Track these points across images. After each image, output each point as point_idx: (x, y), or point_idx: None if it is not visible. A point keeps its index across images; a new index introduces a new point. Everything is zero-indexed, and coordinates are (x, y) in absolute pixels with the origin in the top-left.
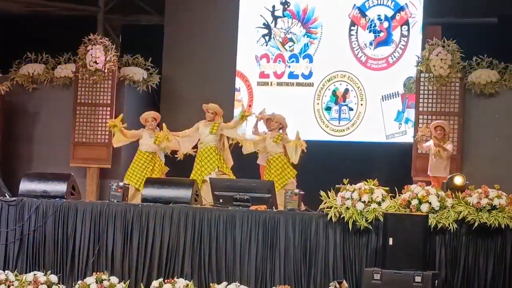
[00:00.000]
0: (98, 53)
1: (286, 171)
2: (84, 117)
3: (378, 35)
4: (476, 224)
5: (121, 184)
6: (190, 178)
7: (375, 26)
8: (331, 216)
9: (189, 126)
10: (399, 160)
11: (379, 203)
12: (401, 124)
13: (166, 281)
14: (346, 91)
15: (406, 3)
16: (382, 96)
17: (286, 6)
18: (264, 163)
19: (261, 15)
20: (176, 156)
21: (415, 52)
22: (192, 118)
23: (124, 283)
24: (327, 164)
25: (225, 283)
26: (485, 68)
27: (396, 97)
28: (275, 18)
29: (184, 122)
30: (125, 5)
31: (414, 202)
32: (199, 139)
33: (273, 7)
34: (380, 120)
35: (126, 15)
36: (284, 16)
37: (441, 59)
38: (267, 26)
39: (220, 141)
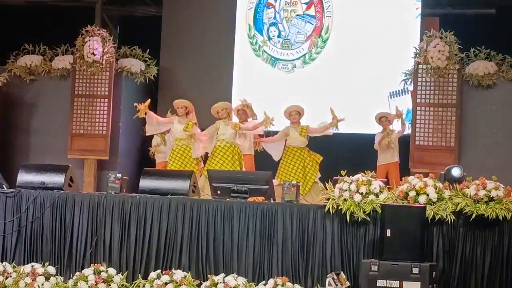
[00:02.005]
0: (96, 45)
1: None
2: (82, 108)
3: None
4: (473, 215)
5: (118, 175)
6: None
7: None
8: (329, 208)
9: None
10: None
11: (376, 195)
12: (411, 124)
13: (164, 272)
14: None
15: None
16: (390, 93)
17: None
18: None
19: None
20: None
21: (413, 43)
22: None
23: (122, 275)
24: (326, 155)
25: (222, 274)
26: (483, 60)
27: (405, 94)
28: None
29: None
30: None
31: (412, 193)
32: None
33: None
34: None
35: (124, 6)
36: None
37: (439, 51)
38: None
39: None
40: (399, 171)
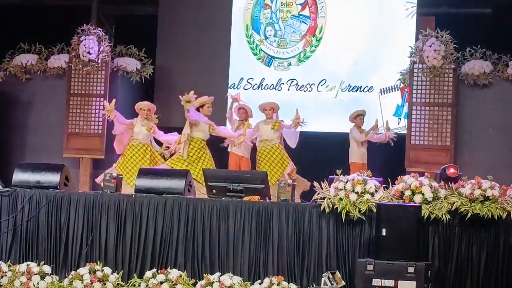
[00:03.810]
0: (92, 44)
1: (284, 159)
2: (78, 107)
3: None
4: (469, 215)
5: (114, 174)
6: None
7: None
8: (325, 207)
9: (183, 117)
10: (392, 151)
11: (372, 194)
12: (400, 119)
13: (159, 271)
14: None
15: None
16: (381, 89)
17: None
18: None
19: None
20: None
21: (409, 43)
22: None
23: (117, 274)
24: (320, 155)
25: (218, 273)
26: (479, 59)
27: (395, 90)
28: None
29: (178, 113)
30: None
31: (407, 193)
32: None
33: None
34: (378, 114)
35: (120, 5)
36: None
37: (435, 50)
38: None
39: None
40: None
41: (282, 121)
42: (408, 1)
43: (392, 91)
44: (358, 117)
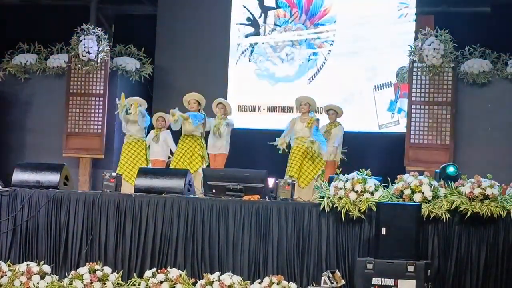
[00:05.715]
0: (91, 43)
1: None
2: (77, 107)
3: None
4: (468, 213)
5: (114, 174)
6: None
7: None
8: (324, 206)
9: None
10: (392, 149)
11: (372, 193)
12: (393, 114)
13: (159, 271)
14: None
15: None
16: (375, 86)
17: None
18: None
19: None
20: None
21: (408, 41)
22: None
23: (117, 273)
24: None
25: (218, 273)
26: (478, 58)
27: (389, 87)
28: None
29: None
30: None
31: (407, 191)
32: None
33: None
34: (373, 110)
35: (119, 5)
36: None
37: (434, 49)
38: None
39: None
40: (334, 171)
41: (318, 119)
42: (402, 1)
43: (386, 88)
44: (328, 112)
